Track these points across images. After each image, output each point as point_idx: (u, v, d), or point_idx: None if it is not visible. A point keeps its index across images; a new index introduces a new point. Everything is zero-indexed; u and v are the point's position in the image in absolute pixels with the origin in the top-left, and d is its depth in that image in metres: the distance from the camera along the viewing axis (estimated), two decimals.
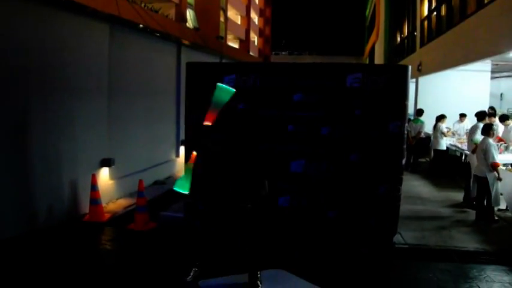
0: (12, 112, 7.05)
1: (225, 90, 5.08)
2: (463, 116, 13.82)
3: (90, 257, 6.58)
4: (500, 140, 10.50)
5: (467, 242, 7.24)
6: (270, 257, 6.08)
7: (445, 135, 12.65)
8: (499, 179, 7.92)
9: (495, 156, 7.99)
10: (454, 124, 14.09)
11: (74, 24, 8.27)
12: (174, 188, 5.02)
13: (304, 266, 5.93)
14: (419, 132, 13.99)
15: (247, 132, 6.38)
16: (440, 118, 12.89)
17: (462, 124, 13.82)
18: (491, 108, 13.79)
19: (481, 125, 9.19)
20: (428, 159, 14.54)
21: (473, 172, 8.87)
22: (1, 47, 6.75)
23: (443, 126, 12.69)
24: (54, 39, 7.80)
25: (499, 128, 11.18)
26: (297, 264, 5.94)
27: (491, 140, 8.21)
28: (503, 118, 11.12)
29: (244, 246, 5.20)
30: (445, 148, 12.75)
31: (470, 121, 12.28)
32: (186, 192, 5.00)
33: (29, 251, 6.61)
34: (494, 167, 7.97)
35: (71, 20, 8.17)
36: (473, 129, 9.72)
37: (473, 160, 8.92)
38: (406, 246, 7.06)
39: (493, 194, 8.01)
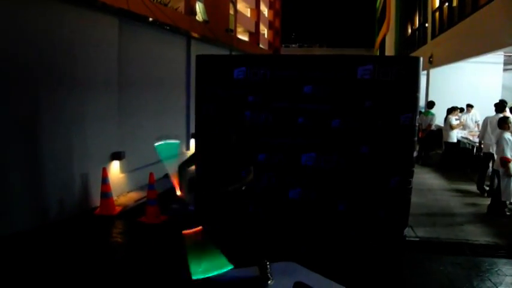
0: (22, 107, 7.08)
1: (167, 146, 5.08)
2: (469, 106, 13.69)
3: (102, 250, 6.61)
4: None
5: (479, 235, 7.19)
6: (281, 250, 6.08)
7: (453, 128, 12.45)
8: (509, 175, 7.81)
9: (506, 150, 7.88)
10: (461, 115, 13.95)
11: (84, 18, 8.28)
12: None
13: (315, 258, 5.93)
14: (430, 125, 13.89)
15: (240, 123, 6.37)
16: (452, 110, 12.78)
17: (469, 115, 13.70)
18: (504, 101, 13.68)
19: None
20: (439, 152, 14.44)
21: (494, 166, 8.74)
22: (10, 41, 6.78)
23: (453, 118, 12.57)
24: (63, 34, 7.81)
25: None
26: (308, 257, 5.94)
27: (505, 134, 8.10)
28: None
29: (246, 236, 5.21)
30: (455, 141, 12.62)
31: (480, 112, 12.16)
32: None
33: (41, 244, 6.66)
34: (503, 161, 7.87)
35: (81, 14, 8.17)
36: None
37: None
38: (417, 239, 7.03)
39: (502, 188, 7.92)
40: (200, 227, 4.89)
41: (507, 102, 12.89)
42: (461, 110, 13.27)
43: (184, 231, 4.88)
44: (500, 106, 10.02)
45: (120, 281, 5.54)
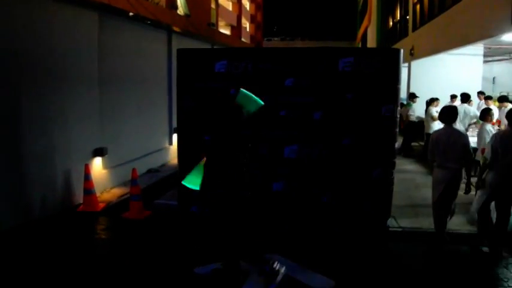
0: (2, 103, 6.97)
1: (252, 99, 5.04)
2: (453, 97, 13.78)
3: (86, 246, 6.58)
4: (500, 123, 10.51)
5: (461, 225, 7.27)
6: (266, 242, 6.11)
7: (434, 119, 12.48)
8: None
9: (487, 141, 7.62)
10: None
11: (63, 13, 8.17)
12: (184, 183, 5.02)
13: (300, 251, 5.96)
14: (407, 116, 13.99)
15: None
16: (431, 102, 12.87)
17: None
18: (481, 92, 13.85)
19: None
20: (422, 143, 14.55)
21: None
22: None
23: (434, 109, 12.62)
24: (42, 29, 7.70)
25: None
26: (292, 249, 5.97)
27: (487, 126, 8.15)
28: (501, 100, 11.17)
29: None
30: None
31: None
32: (197, 188, 4.98)
33: (24, 242, 6.60)
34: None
35: (59, 8, 8.06)
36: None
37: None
38: (400, 229, 7.10)
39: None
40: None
41: (484, 94, 13.13)
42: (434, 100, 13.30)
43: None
44: (465, 96, 11.23)
45: (105, 277, 5.52)
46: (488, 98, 12.26)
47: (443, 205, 6.32)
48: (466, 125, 11.40)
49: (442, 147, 6.21)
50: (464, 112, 11.63)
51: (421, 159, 12.83)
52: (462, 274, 5.65)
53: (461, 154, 6.11)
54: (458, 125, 9.76)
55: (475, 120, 11.47)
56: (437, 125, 12.43)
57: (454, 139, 6.14)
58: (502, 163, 5.91)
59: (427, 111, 12.93)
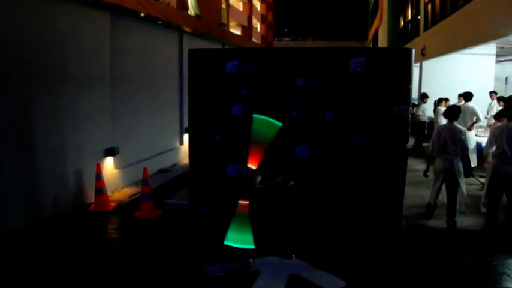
0: (15, 104, 7.04)
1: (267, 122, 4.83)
2: (461, 96, 13.64)
3: (97, 246, 6.61)
4: None
5: (473, 225, 7.22)
6: (277, 242, 6.10)
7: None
8: None
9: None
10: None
11: (75, 14, 8.22)
12: (226, 243, 4.55)
13: (311, 251, 5.95)
14: (416, 116, 13.90)
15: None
16: (440, 102, 12.78)
17: (461, 105, 13.62)
18: (494, 92, 13.74)
19: None
20: None
21: None
22: (1, 39, 6.73)
23: (442, 109, 12.50)
24: (54, 30, 7.76)
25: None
26: (305, 249, 5.96)
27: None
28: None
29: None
30: None
31: (477, 103, 12.13)
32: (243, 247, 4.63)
33: (35, 242, 6.64)
34: None
35: (72, 9, 8.12)
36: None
37: None
38: (411, 229, 7.06)
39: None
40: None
41: (497, 94, 13.04)
42: (446, 100, 13.17)
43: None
44: (468, 95, 11.43)
45: (116, 276, 5.54)
46: (501, 99, 12.11)
47: (451, 186, 7.33)
48: (469, 123, 11.26)
49: (442, 140, 7.30)
50: (464, 110, 11.54)
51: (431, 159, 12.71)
52: (470, 273, 5.61)
53: (458, 148, 7.20)
54: (463, 123, 9.70)
55: (475, 118, 11.40)
56: None
57: (453, 134, 7.21)
58: (495, 153, 6.83)
59: (435, 111, 12.84)
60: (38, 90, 7.41)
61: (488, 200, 7.01)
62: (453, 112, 7.49)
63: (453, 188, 7.32)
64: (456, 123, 7.41)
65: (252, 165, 4.81)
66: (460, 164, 7.34)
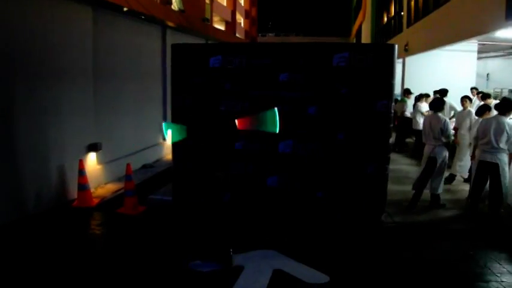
0: None
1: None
2: (437, 92, 13.66)
3: (80, 242, 6.56)
4: None
5: (455, 221, 7.31)
6: (260, 237, 6.13)
7: (424, 116, 12.41)
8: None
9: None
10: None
11: (56, 8, 8.12)
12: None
13: (295, 246, 5.97)
14: (402, 112, 13.99)
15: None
16: (420, 98, 12.85)
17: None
18: (475, 88, 13.89)
19: None
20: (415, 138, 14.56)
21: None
22: None
23: (422, 106, 12.56)
24: (36, 25, 7.65)
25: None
26: (288, 244, 5.99)
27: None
28: (485, 97, 11.21)
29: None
30: None
31: (455, 101, 12.25)
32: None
33: (18, 238, 6.58)
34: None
35: (53, 3, 8.02)
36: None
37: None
38: (394, 224, 7.13)
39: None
40: None
41: (477, 90, 13.22)
42: (426, 96, 13.24)
43: None
44: (443, 92, 11.73)
45: (100, 272, 5.51)
46: (486, 96, 12.07)
47: (427, 174, 7.95)
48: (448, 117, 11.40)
49: (427, 129, 7.97)
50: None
51: (413, 154, 12.84)
52: (454, 267, 5.68)
53: (440, 136, 7.78)
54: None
55: (453, 112, 11.61)
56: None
57: (435, 123, 7.82)
58: (482, 143, 7.41)
59: (415, 106, 12.92)
60: (19, 85, 7.30)
61: (472, 187, 7.78)
62: (436, 103, 8.26)
63: (430, 173, 7.91)
64: (440, 114, 8.05)
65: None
66: (443, 152, 7.87)
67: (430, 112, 8.33)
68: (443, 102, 8.53)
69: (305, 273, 5.30)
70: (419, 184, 8.01)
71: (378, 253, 6.10)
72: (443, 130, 7.76)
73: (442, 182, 8.11)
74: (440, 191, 8.05)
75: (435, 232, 6.90)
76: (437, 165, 7.84)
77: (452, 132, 8.57)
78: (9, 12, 7.02)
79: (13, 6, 7.11)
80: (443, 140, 7.85)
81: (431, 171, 7.87)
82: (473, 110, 9.66)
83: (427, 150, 8.02)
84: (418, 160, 11.91)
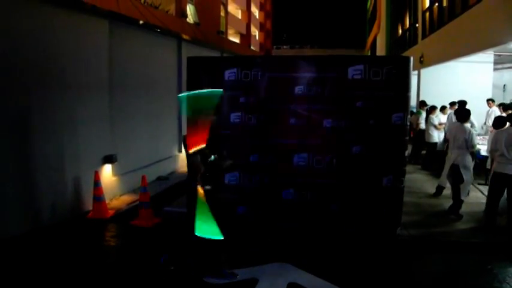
0: (13, 111, 7.03)
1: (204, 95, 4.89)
2: (452, 104, 13.43)
3: (95, 253, 6.58)
4: None
5: (471, 235, 7.21)
6: (275, 250, 6.09)
7: (437, 128, 12.26)
8: None
9: None
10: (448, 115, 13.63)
11: (73, 21, 8.23)
12: (197, 234, 4.78)
13: (310, 259, 5.93)
14: (417, 124, 13.88)
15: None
16: (431, 110, 12.69)
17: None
18: (491, 100, 13.72)
19: None
20: None
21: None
22: (0, 45, 6.74)
23: (435, 118, 12.39)
24: (53, 37, 7.76)
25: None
26: (303, 257, 5.95)
27: None
28: (506, 108, 11.06)
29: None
30: (436, 141, 12.28)
31: (474, 111, 12.10)
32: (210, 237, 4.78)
33: (34, 249, 6.62)
34: None
35: (70, 17, 8.13)
36: None
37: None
38: (410, 237, 7.05)
39: None
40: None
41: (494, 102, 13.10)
42: (442, 108, 13.05)
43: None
44: (452, 104, 12.25)
45: (114, 284, 5.52)
46: (508, 107, 11.78)
47: (454, 177, 8.18)
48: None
49: (452, 137, 8.32)
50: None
51: (425, 167, 12.65)
52: (472, 281, 5.60)
53: (463, 145, 8.00)
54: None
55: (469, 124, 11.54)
56: (437, 134, 12.23)
57: (460, 134, 8.06)
58: (496, 155, 7.41)
59: (427, 119, 12.73)
60: (36, 97, 7.40)
61: (488, 199, 7.65)
62: (462, 113, 8.53)
63: (457, 180, 8.10)
64: (465, 125, 8.30)
65: (201, 144, 4.91)
66: (467, 159, 8.07)
67: (457, 123, 8.52)
68: (469, 113, 8.61)
69: (319, 287, 5.26)
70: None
71: (393, 266, 6.04)
72: (467, 140, 7.95)
73: (467, 190, 8.22)
74: (463, 197, 8.09)
75: (451, 245, 6.80)
76: (461, 172, 7.97)
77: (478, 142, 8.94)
78: (24, 26, 7.14)
79: (28, 20, 7.22)
80: (468, 149, 8.04)
81: (459, 178, 8.03)
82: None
83: (451, 157, 8.27)
84: (432, 172, 11.82)
